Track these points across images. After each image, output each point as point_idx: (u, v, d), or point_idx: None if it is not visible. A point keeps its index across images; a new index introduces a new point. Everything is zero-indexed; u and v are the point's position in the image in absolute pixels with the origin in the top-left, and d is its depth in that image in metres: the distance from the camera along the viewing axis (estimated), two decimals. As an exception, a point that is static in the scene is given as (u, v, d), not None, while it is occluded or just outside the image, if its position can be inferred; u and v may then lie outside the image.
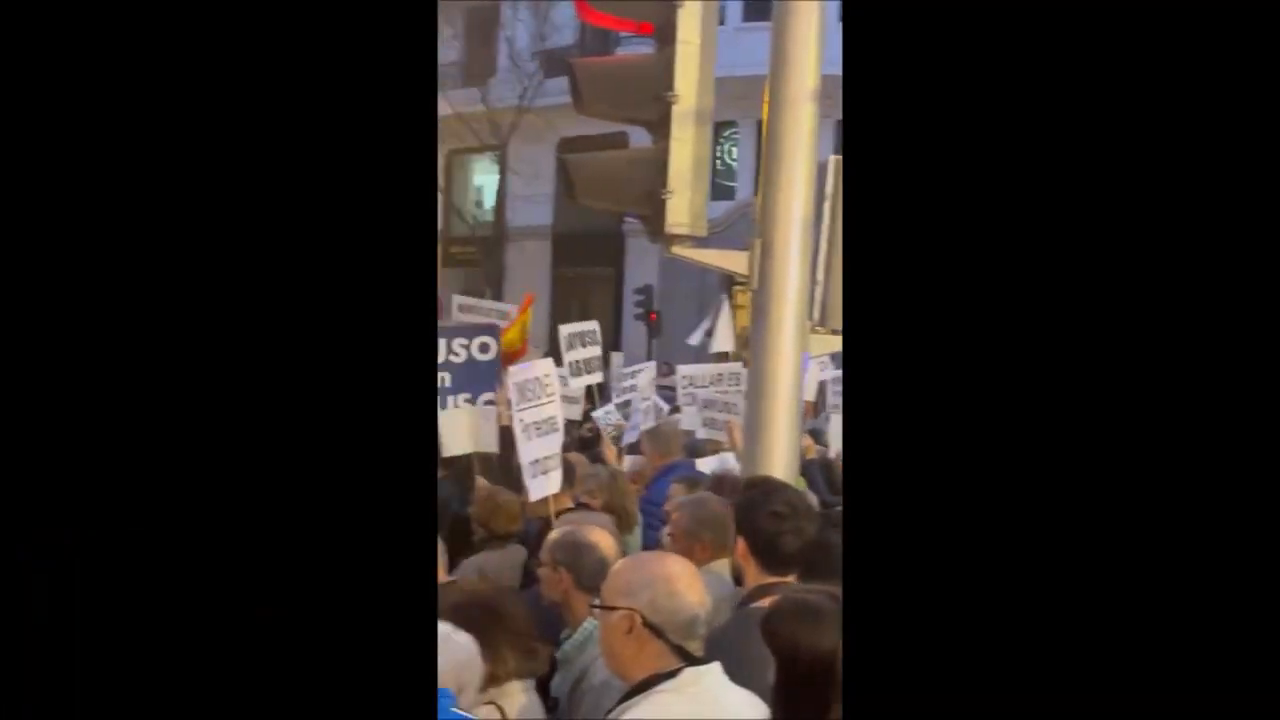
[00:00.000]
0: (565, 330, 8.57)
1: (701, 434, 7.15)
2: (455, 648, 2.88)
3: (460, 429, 6.20)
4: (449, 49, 24.84)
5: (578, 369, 8.33)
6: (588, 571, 3.39)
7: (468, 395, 7.08)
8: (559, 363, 7.49)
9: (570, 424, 7.96)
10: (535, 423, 5.48)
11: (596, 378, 8.66)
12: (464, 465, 6.11)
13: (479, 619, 3.02)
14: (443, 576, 3.94)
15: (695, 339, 13.39)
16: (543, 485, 5.25)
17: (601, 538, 3.58)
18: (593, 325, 8.80)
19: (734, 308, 11.93)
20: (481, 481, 5.94)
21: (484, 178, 26.28)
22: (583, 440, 8.08)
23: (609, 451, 7.09)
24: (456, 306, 9.17)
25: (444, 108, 23.53)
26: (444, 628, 2.87)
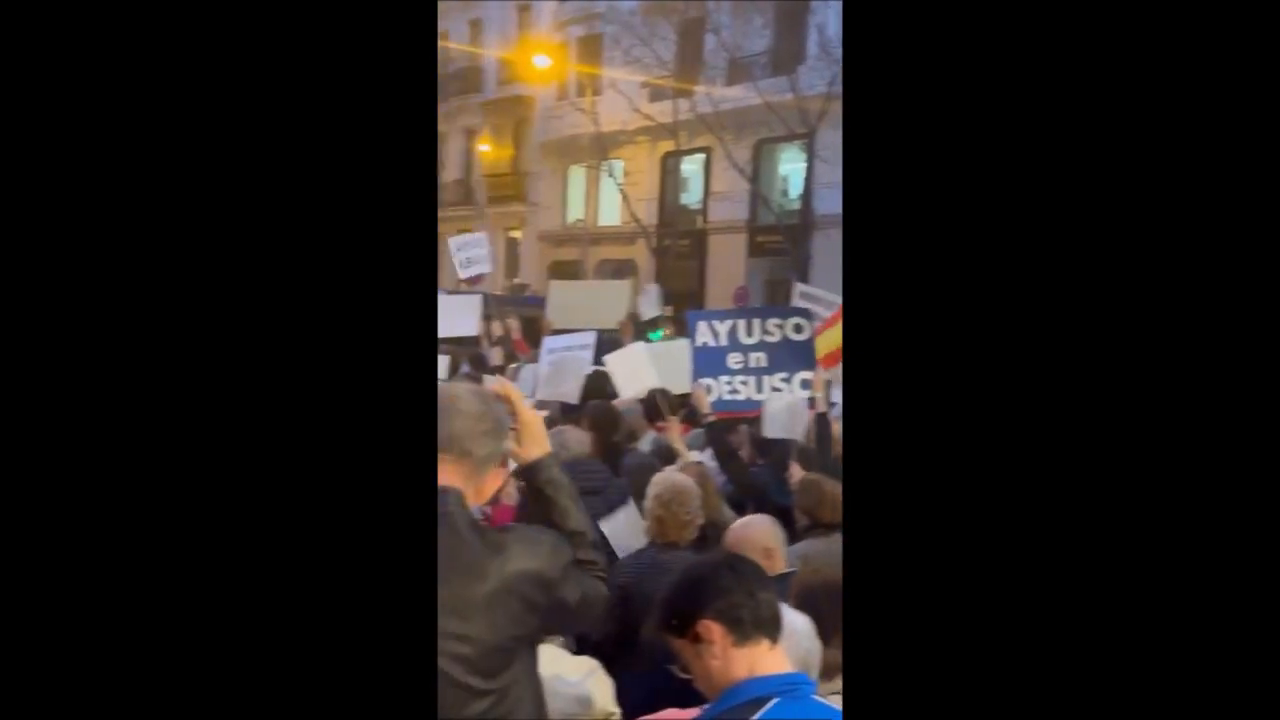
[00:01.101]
0: None
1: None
2: (798, 634, 2.90)
3: (776, 418, 6.26)
4: (759, 39, 24.99)
5: None
6: (929, 565, 3.33)
7: (784, 375, 7.15)
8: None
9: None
10: (855, 418, 5.47)
11: None
12: (780, 454, 6.16)
13: (827, 606, 3.03)
14: (783, 567, 4.06)
15: None
16: (865, 478, 5.23)
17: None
18: None
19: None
20: (796, 469, 5.97)
21: (790, 166, 26.27)
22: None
23: None
24: (798, 294, 9.30)
25: (752, 97, 23.79)
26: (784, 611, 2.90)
